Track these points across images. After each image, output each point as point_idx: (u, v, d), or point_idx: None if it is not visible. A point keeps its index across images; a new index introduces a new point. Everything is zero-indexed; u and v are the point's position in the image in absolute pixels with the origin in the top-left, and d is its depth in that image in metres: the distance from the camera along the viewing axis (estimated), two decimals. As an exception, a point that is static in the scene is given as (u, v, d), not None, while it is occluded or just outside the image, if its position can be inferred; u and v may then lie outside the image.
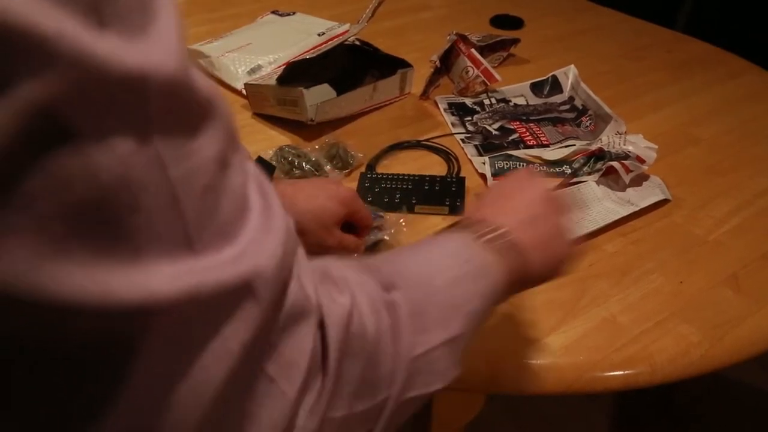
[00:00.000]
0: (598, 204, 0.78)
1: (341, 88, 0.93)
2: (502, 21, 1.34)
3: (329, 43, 1.06)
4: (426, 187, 0.83)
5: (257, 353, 0.26)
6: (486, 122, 0.97)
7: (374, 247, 0.72)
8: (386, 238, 0.72)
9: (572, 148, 0.81)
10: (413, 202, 0.80)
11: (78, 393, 0.22)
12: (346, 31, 1.13)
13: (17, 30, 0.18)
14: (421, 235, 0.75)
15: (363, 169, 0.87)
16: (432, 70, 1.04)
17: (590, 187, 0.80)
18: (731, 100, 1.05)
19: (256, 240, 0.25)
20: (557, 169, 0.79)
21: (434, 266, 0.38)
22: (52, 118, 0.19)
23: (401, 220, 0.76)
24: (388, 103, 1.03)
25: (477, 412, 0.81)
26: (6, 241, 0.19)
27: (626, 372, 0.60)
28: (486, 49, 1.12)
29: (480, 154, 0.90)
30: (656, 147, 0.82)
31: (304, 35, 1.17)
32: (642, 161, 0.81)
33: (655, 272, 0.70)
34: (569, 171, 0.80)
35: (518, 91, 1.07)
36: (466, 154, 0.90)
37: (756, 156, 0.91)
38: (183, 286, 0.22)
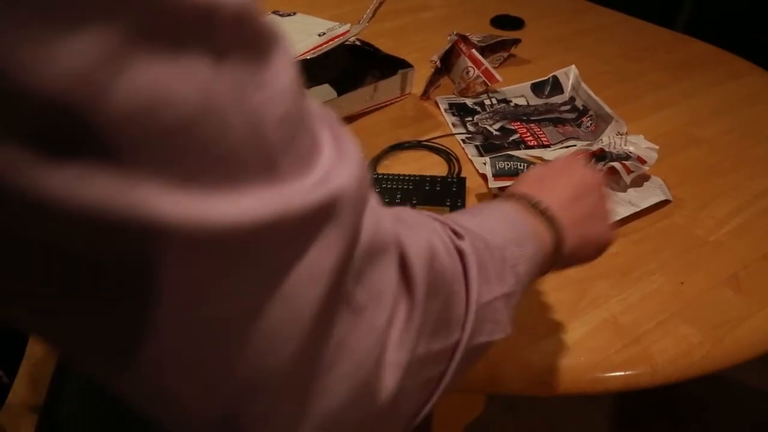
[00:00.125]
0: (599, 204, 0.78)
1: (342, 89, 0.93)
2: (503, 21, 1.33)
3: (330, 43, 1.06)
4: (427, 188, 0.83)
5: (347, 280, 0.26)
6: (487, 122, 0.97)
7: None
8: None
9: (573, 149, 0.81)
10: (414, 202, 0.80)
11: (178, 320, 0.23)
12: (347, 32, 1.13)
13: None
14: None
15: (363, 169, 0.87)
16: (432, 70, 1.04)
17: (591, 187, 0.79)
18: (732, 100, 1.05)
19: (334, 166, 0.25)
20: (558, 170, 0.79)
21: (487, 227, 0.39)
22: (132, 47, 0.19)
23: None
24: (388, 103, 1.03)
25: (478, 412, 0.81)
26: (94, 172, 0.19)
27: (627, 373, 0.59)
28: (486, 50, 1.12)
29: (481, 155, 0.90)
30: (657, 147, 0.82)
31: (304, 35, 1.16)
32: (643, 162, 0.81)
33: (655, 273, 0.70)
34: (570, 171, 0.79)
35: (519, 92, 1.07)
36: (466, 154, 0.90)
37: (757, 157, 0.91)
38: (270, 212, 0.22)
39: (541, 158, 0.80)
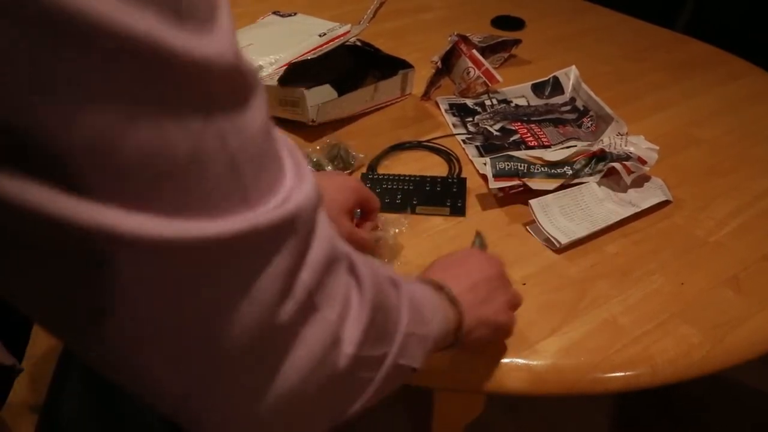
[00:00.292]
0: (600, 205, 0.78)
1: (342, 89, 0.93)
2: (503, 22, 1.34)
3: (330, 43, 1.07)
4: (427, 188, 0.83)
5: (298, 278, 0.31)
6: (487, 123, 0.97)
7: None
8: (382, 234, 0.72)
9: (573, 149, 0.81)
10: (414, 202, 0.80)
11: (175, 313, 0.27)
12: (348, 32, 1.13)
13: (112, 31, 0.21)
14: (422, 236, 0.75)
15: (364, 169, 0.87)
16: (433, 70, 1.04)
17: (591, 188, 0.80)
18: (732, 101, 1.06)
19: (294, 187, 0.30)
20: (558, 170, 0.79)
21: (410, 285, 0.45)
22: (139, 99, 0.23)
23: (404, 221, 0.76)
24: (389, 103, 1.03)
25: (478, 413, 0.81)
26: (106, 197, 0.23)
27: (627, 373, 0.60)
28: (487, 50, 1.12)
29: (481, 155, 0.90)
30: (657, 148, 0.82)
31: (305, 36, 1.17)
32: (643, 162, 0.81)
33: (656, 273, 0.70)
34: (570, 172, 0.80)
35: (519, 92, 1.07)
36: (467, 154, 0.91)
37: (757, 157, 0.91)
38: (242, 228, 0.27)
39: (541, 158, 0.80)
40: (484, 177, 0.83)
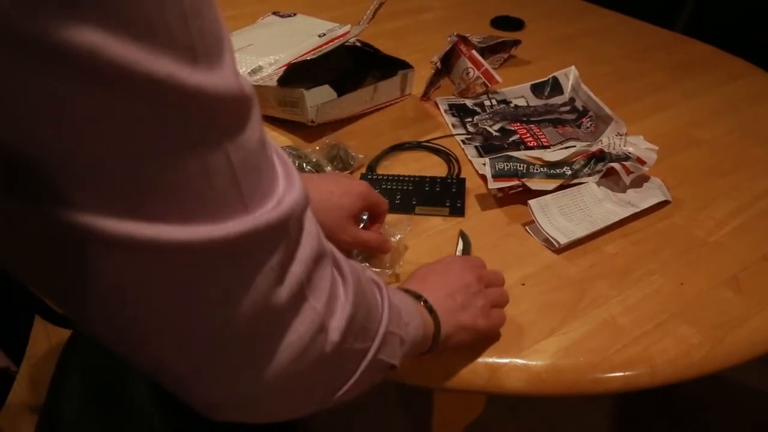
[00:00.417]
0: (599, 205, 0.78)
1: (342, 89, 0.93)
2: (503, 22, 1.34)
3: (330, 44, 1.07)
4: (426, 188, 0.83)
5: (287, 272, 0.34)
6: (486, 123, 0.97)
7: (370, 257, 0.72)
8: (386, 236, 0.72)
9: (573, 150, 0.81)
10: (413, 203, 0.80)
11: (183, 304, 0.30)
12: (347, 33, 1.13)
13: (134, 74, 0.23)
14: (421, 236, 0.75)
15: (363, 170, 0.87)
16: (433, 71, 1.05)
17: (591, 188, 0.80)
18: (732, 101, 1.05)
19: (285, 191, 0.33)
20: (557, 171, 0.79)
21: (390, 291, 0.47)
22: (158, 135, 0.26)
23: (407, 227, 0.76)
24: (388, 104, 1.03)
25: (478, 413, 0.81)
26: (124, 212, 0.26)
27: (626, 373, 0.59)
28: (487, 51, 1.12)
29: (480, 155, 0.90)
30: (657, 148, 0.82)
31: (305, 36, 1.17)
32: (642, 162, 0.81)
33: (655, 273, 0.70)
34: (570, 172, 0.79)
35: (519, 93, 1.07)
36: (466, 155, 0.91)
37: (757, 157, 0.91)
38: (244, 231, 0.30)
39: (540, 159, 0.80)
40: (483, 177, 0.83)
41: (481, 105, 1.03)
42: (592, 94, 0.99)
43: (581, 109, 1.00)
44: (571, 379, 0.59)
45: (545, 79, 1.07)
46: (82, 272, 0.27)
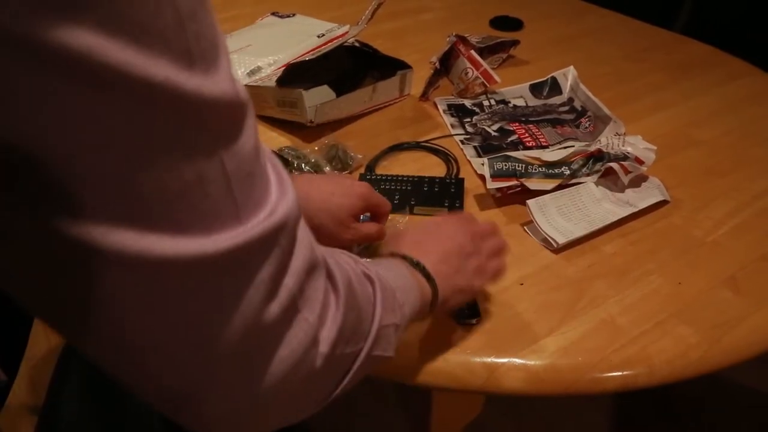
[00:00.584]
0: (597, 205, 0.78)
1: (341, 90, 0.93)
2: (502, 22, 1.34)
3: (329, 44, 1.07)
4: (425, 188, 0.83)
5: (281, 285, 0.33)
6: (485, 123, 0.97)
7: (369, 248, 0.72)
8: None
9: (571, 150, 0.81)
10: (412, 203, 0.80)
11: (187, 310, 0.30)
12: (346, 33, 1.13)
13: (132, 78, 0.23)
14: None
15: (362, 170, 0.87)
16: (431, 71, 1.05)
17: (589, 188, 0.80)
18: (731, 101, 1.06)
19: (278, 200, 0.33)
20: (556, 170, 0.80)
21: (383, 274, 0.47)
22: (154, 139, 0.25)
23: (402, 219, 0.76)
24: (387, 104, 1.03)
25: (477, 413, 0.81)
26: (117, 221, 0.26)
27: (625, 373, 0.60)
28: (485, 51, 1.12)
29: (479, 156, 0.90)
30: (655, 148, 0.83)
31: (303, 37, 1.17)
32: (641, 162, 0.81)
33: (653, 273, 0.70)
34: (568, 172, 0.80)
35: (517, 93, 1.07)
36: (465, 155, 0.91)
37: (755, 157, 0.91)
38: (236, 244, 0.29)
39: (539, 159, 0.80)
40: (481, 177, 0.83)
41: (480, 105, 1.03)
42: (590, 94, 0.99)
43: (580, 109, 1.00)
44: (570, 378, 0.60)
45: (544, 79, 1.07)
46: (77, 285, 0.27)
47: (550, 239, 0.73)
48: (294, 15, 1.30)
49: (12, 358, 0.75)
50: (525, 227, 0.77)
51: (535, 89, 1.07)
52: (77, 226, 0.25)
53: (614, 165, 0.79)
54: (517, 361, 0.60)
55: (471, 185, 0.84)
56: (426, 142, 0.93)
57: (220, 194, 0.29)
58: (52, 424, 0.66)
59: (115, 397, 0.64)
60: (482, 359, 0.60)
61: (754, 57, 1.20)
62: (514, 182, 0.78)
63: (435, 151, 0.92)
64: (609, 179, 0.81)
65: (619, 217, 0.76)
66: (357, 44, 1.01)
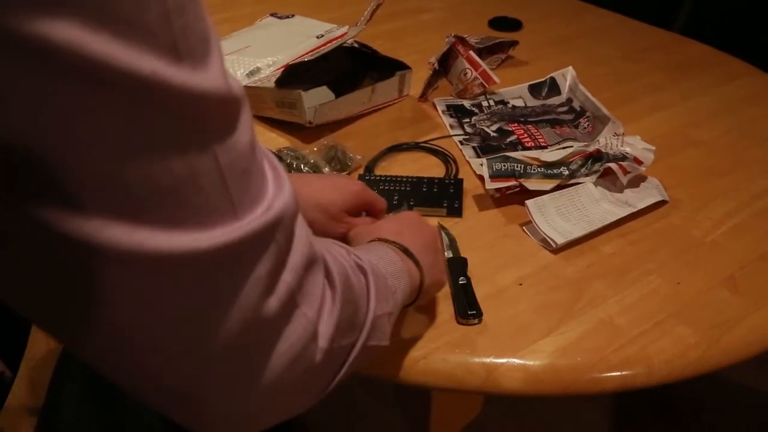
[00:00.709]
0: (596, 205, 0.78)
1: (340, 91, 0.93)
2: (501, 23, 1.34)
3: (328, 45, 1.07)
4: (424, 189, 0.83)
5: (279, 280, 0.33)
6: (484, 124, 0.97)
7: None
8: None
9: (570, 150, 0.82)
10: (411, 203, 0.80)
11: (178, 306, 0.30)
12: (345, 34, 1.13)
13: (119, 72, 0.23)
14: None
15: (361, 171, 0.87)
16: (430, 72, 1.05)
17: (588, 188, 0.80)
18: (730, 102, 1.06)
19: (275, 196, 0.33)
20: (555, 171, 0.80)
21: (375, 262, 0.48)
22: (144, 134, 0.25)
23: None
24: (386, 105, 1.03)
25: (476, 413, 0.81)
26: (110, 216, 0.26)
27: (623, 373, 0.60)
28: (484, 51, 1.12)
29: (478, 156, 0.90)
30: (654, 148, 0.83)
31: (302, 38, 1.17)
32: (639, 162, 0.81)
33: (652, 273, 0.70)
34: (567, 172, 0.80)
35: (516, 93, 1.07)
36: (464, 155, 0.91)
37: (754, 158, 0.91)
38: (232, 239, 0.29)
39: (538, 159, 0.80)
40: (480, 178, 0.83)
41: (479, 105, 1.03)
42: (589, 95, 0.99)
43: (579, 109, 1.00)
44: (569, 378, 0.60)
45: (543, 79, 1.07)
46: (74, 284, 0.27)
47: (548, 239, 0.73)
48: (293, 16, 1.30)
49: (12, 358, 0.75)
50: (524, 227, 0.77)
51: (534, 90, 1.07)
52: (70, 222, 0.25)
53: (613, 165, 0.79)
54: (516, 361, 0.60)
55: (470, 185, 0.84)
56: (425, 142, 0.93)
57: (214, 189, 0.29)
58: (51, 424, 0.66)
59: (114, 397, 0.64)
60: (481, 359, 0.60)
61: (753, 57, 1.20)
62: (512, 182, 0.78)
63: (434, 152, 0.92)
64: (608, 179, 0.81)
65: (618, 217, 0.76)
66: (356, 45, 1.01)
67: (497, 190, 0.79)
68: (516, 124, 0.96)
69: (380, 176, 0.85)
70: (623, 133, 0.88)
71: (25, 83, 0.22)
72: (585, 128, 0.96)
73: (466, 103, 1.03)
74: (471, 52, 1.04)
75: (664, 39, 1.31)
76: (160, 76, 0.25)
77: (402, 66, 1.02)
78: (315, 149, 0.89)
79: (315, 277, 0.37)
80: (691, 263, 0.72)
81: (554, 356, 0.61)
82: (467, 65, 1.03)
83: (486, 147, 0.92)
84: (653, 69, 1.16)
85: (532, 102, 1.05)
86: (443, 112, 1.01)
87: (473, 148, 0.92)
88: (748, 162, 0.90)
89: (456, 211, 0.79)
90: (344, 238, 0.66)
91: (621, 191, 0.81)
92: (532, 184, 0.78)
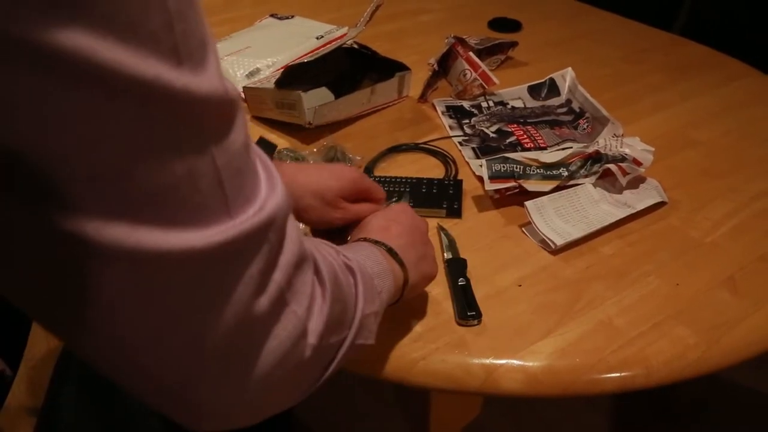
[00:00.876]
0: (595, 206, 0.78)
1: (339, 92, 0.93)
2: (500, 24, 1.34)
3: (327, 46, 1.07)
4: (423, 190, 0.83)
5: (270, 279, 0.34)
6: (483, 125, 0.97)
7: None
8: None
9: (569, 151, 0.82)
10: (411, 204, 0.80)
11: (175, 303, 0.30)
12: (345, 35, 1.13)
13: (122, 76, 0.24)
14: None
15: (361, 171, 0.87)
16: (430, 73, 1.05)
17: (587, 189, 0.80)
18: (729, 103, 1.06)
19: (268, 196, 0.33)
20: (554, 172, 0.80)
21: (361, 262, 0.48)
22: (145, 137, 0.26)
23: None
24: (386, 106, 1.03)
25: (475, 414, 0.81)
26: (111, 216, 0.26)
27: (622, 374, 0.60)
28: (484, 52, 1.13)
29: (477, 157, 0.90)
30: (653, 149, 0.83)
31: (302, 39, 1.17)
32: (638, 164, 0.81)
33: (651, 274, 0.70)
34: (566, 174, 0.80)
35: (516, 94, 1.07)
36: (463, 156, 0.91)
37: (753, 159, 0.91)
38: (226, 239, 0.30)
39: (537, 160, 0.80)
40: (480, 179, 0.83)
41: (479, 107, 1.03)
42: (588, 96, 0.99)
43: (578, 110, 1.00)
44: (568, 380, 0.60)
45: (542, 80, 1.08)
46: (74, 283, 0.27)
47: (548, 240, 0.73)
48: (293, 17, 1.30)
49: (12, 357, 0.75)
50: (523, 228, 0.77)
51: (534, 91, 1.07)
52: (71, 222, 0.25)
53: (612, 166, 0.79)
54: (515, 362, 0.60)
55: (469, 186, 0.84)
56: (424, 143, 0.93)
57: (210, 189, 0.29)
58: (51, 424, 0.66)
59: (114, 397, 0.64)
60: (480, 360, 0.60)
61: (752, 58, 1.20)
62: (512, 184, 0.78)
63: (433, 153, 0.92)
64: (607, 181, 0.81)
65: (617, 218, 0.76)
66: (355, 46, 1.01)
67: (496, 191, 0.80)
68: (515, 125, 0.97)
69: (380, 177, 0.85)
70: (622, 135, 0.88)
71: (34, 89, 0.22)
72: (584, 129, 0.96)
73: (466, 104, 1.03)
74: (470, 53, 1.04)
75: (664, 40, 1.31)
76: (162, 80, 0.25)
77: (401, 67, 1.02)
78: (314, 150, 0.89)
79: (305, 275, 0.37)
80: (691, 264, 0.72)
81: (553, 357, 0.61)
82: (467, 66, 1.03)
83: (485, 148, 0.92)
84: (653, 70, 1.16)
85: (532, 103, 1.05)
86: (443, 113, 1.01)
87: (473, 149, 0.92)
88: (747, 163, 0.90)
89: (455, 212, 0.79)
90: (339, 226, 0.66)
91: (620, 192, 0.81)
92: (531, 185, 0.78)
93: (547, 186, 0.79)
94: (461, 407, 0.80)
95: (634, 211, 0.78)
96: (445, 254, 0.72)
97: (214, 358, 0.33)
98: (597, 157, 0.81)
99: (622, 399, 1.35)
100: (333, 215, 0.64)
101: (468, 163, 0.89)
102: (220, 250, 0.30)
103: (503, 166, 0.79)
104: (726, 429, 1.33)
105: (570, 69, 1.05)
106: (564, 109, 1.01)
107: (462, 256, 0.72)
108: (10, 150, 0.23)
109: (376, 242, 0.55)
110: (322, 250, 0.43)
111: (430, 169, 0.89)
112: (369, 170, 0.87)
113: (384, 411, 1.34)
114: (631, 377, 0.60)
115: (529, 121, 0.98)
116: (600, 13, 1.43)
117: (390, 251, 0.54)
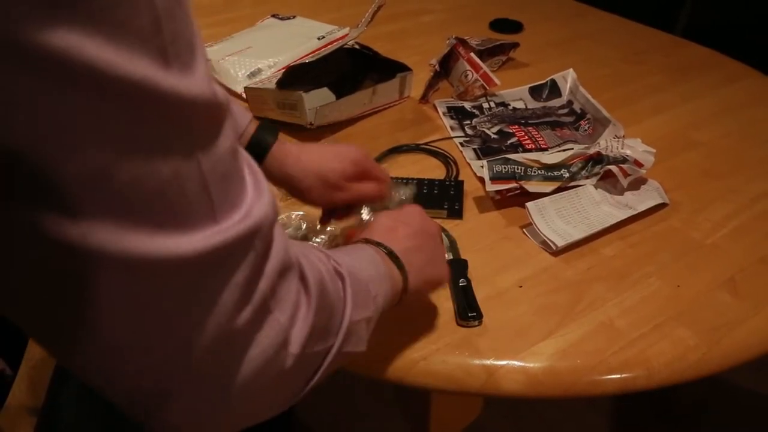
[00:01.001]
0: (596, 208, 0.78)
1: (341, 92, 0.93)
2: (502, 25, 1.34)
3: (329, 46, 1.07)
4: (424, 191, 0.83)
5: (256, 288, 0.33)
6: (485, 126, 0.97)
7: (338, 238, 0.72)
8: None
9: (570, 152, 0.82)
10: (415, 195, 0.80)
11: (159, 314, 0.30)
12: (346, 35, 1.13)
13: (112, 76, 0.24)
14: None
15: (362, 172, 0.87)
16: (431, 73, 1.05)
17: (588, 190, 0.80)
18: (730, 104, 1.06)
19: (254, 202, 0.33)
20: (555, 173, 0.80)
21: (357, 265, 0.47)
22: (133, 138, 0.26)
23: (409, 191, 0.76)
24: (387, 106, 1.03)
25: (475, 415, 0.81)
26: (97, 219, 0.26)
27: (623, 375, 0.60)
28: (485, 53, 1.13)
29: (478, 158, 0.90)
30: (654, 151, 0.83)
31: (304, 39, 1.17)
32: (640, 165, 0.81)
33: (652, 276, 0.70)
34: (567, 175, 0.80)
35: (517, 95, 1.07)
36: (464, 157, 0.91)
37: (754, 160, 0.91)
38: (212, 245, 0.30)
39: (538, 161, 0.80)
40: (481, 180, 0.83)
41: (480, 107, 1.03)
42: (590, 97, 0.99)
43: (579, 111, 1.00)
44: (569, 381, 0.60)
45: (543, 81, 1.08)
46: (63, 291, 0.27)
47: (549, 242, 0.73)
48: (294, 17, 1.30)
49: (13, 356, 0.75)
50: (524, 230, 0.77)
51: (535, 92, 1.07)
52: (58, 226, 0.25)
53: (613, 168, 0.79)
54: (516, 363, 0.60)
55: (470, 187, 0.84)
56: (425, 144, 0.93)
57: (196, 193, 0.29)
58: (51, 424, 0.66)
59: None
60: (481, 361, 0.60)
61: (753, 59, 1.20)
62: (513, 185, 0.79)
63: (434, 154, 0.92)
64: (608, 182, 0.81)
65: (618, 219, 0.76)
66: (357, 46, 1.01)
67: (498, 192, 0.80)
68: (516, 126, 0.97)
69: (381, 178, 0.85)
70: (624, 136, 0.88)
71: (24, 89, 0.22)
72: (585, 130, 0.96)
73: (467, 105, 1.04)
74: (472, 54, 1.04)
75: (664, 41, 1.31)
76: (150, 81, 0.25)
77: (403, 68, 1.02)
78: (316, 150, 0.89)
79: (289, 283, 0.37)
80: (691, 266, 0.72)
81: (554, 358, 0.61)
82: (468, 67, 1.03)
83: (486, 149, 0.92)
84: (653, 71, 1.17)
85: (533, 104, 1.05)
86: (444, 113, 1.01)
87: (474, 149, 0.92)
88: (748, 164, 0.90)
89: (456, 213, 0.79)
90: (347, 204, 0.66)
91: (621, 194, 0.81)
92: (532, 187, 0.78)
93: (549, 187, 0.79)
94: (462, 408, 0.80)
95: (635, 212, 0.78)
96: (445, 255, 0.72)
97: (196, 365, 0.32)
98: (598, 159, 0.81)
99: (623, 400, 1.35)
100: (336, 196, 0.64)
101: (469, 164, 0.89)
102: (206, 256, 0.30)
103: (504, 167, 0.79)
104: (726, 430, 1.33)
105: (571, 70, 1.06)
106: (565, 111, 1.01)
107: (463, 256, 0.72)
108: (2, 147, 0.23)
109: (378, 244, 0.53)
110: (310, 255, 0.43)
111: (431, 169, 0.89)
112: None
113: (384, 411, 1.34)
114: (632, 378, 0.60)
115: (530, 122, 0.98)
116: (601, 14, 1.43)
117: (390, 254, 0.53)
